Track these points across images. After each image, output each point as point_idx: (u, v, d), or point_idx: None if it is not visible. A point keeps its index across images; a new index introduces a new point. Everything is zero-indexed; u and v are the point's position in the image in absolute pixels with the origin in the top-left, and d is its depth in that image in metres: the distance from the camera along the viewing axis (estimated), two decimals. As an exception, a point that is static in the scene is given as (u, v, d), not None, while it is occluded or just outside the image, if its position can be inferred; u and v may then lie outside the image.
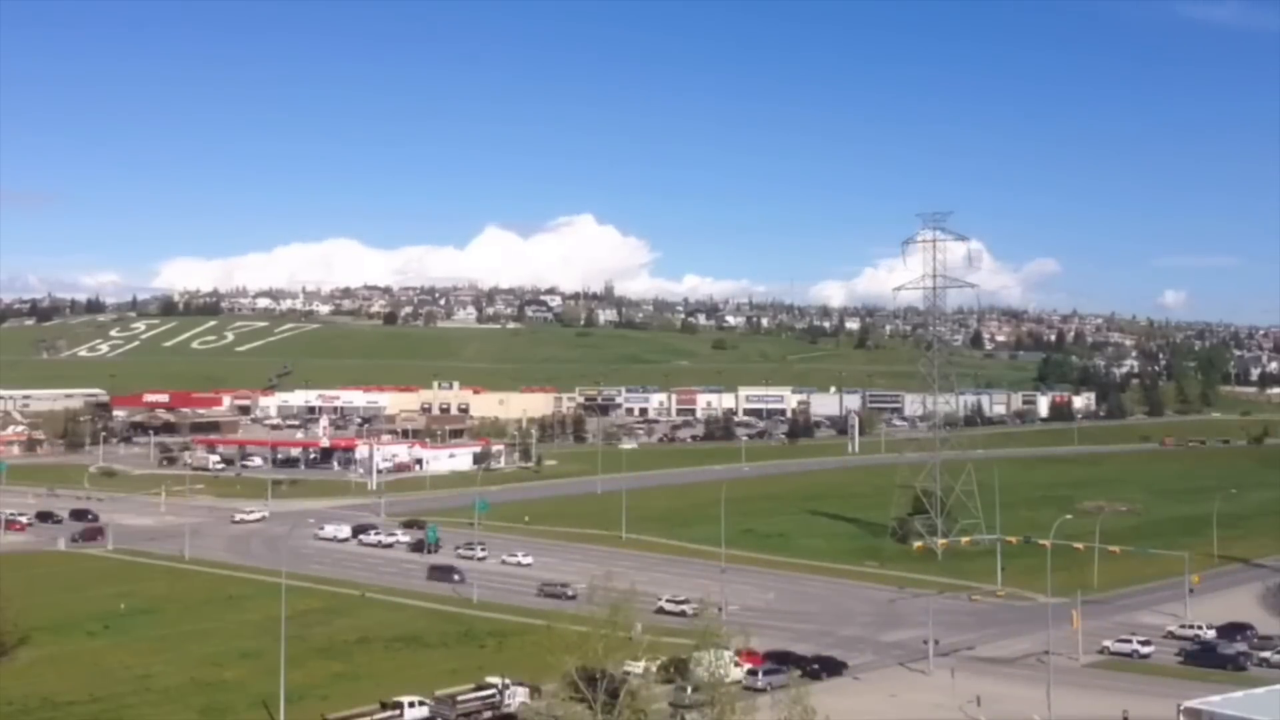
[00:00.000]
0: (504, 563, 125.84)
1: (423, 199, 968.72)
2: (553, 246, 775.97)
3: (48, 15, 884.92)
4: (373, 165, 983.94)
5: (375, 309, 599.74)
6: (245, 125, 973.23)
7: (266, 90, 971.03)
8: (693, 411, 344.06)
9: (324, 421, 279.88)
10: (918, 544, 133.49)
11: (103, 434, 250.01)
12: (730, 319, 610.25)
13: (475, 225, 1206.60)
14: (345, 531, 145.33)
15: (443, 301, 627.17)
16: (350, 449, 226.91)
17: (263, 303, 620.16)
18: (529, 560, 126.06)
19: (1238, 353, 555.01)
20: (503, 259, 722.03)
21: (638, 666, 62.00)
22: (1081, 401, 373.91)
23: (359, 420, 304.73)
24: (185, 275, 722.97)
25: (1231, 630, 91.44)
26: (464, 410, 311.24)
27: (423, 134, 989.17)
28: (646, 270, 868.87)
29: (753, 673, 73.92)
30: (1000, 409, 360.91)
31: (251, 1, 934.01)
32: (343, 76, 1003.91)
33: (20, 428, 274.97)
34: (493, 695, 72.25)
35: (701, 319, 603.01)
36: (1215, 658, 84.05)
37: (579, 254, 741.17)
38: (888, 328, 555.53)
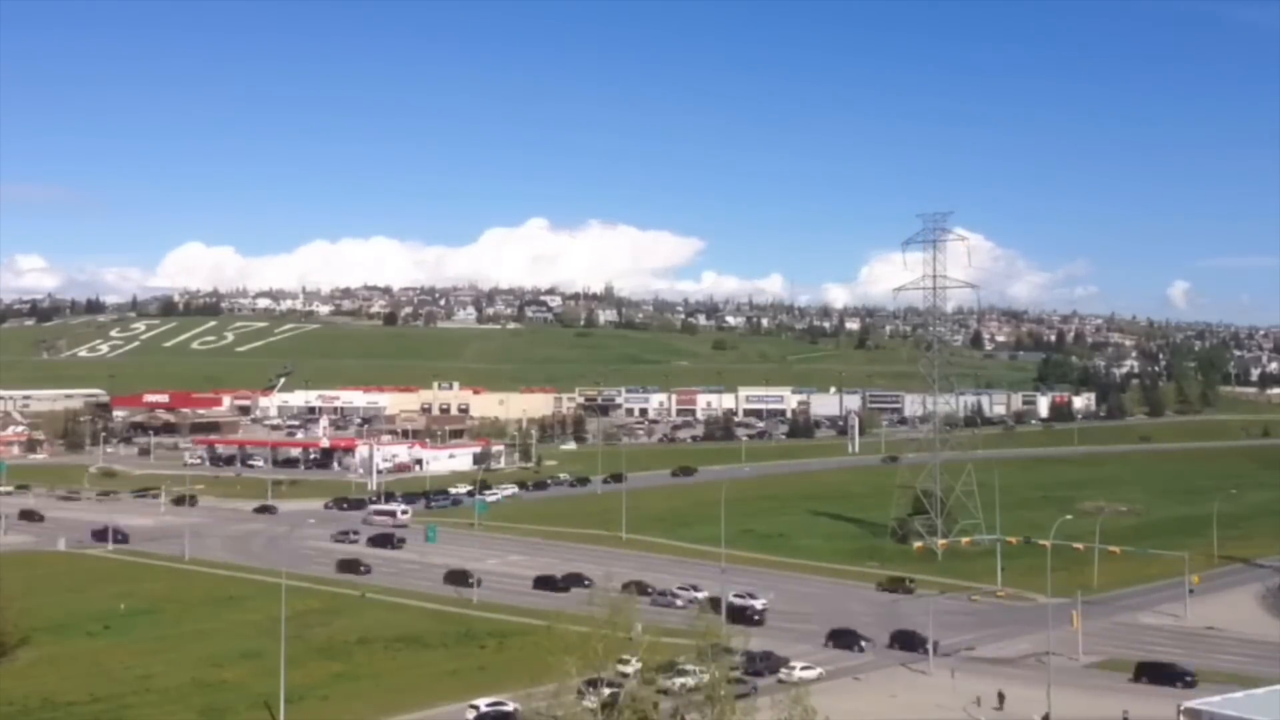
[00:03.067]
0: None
1: (453, 199, 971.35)
2: (593, 245, 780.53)
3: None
4: (423, 165, 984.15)
5: (375, 309, 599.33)
6: (285, 124, 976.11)
7: (309, 91, 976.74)
8: (693, 412, 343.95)
9: (324, 422, 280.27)
10: (918, 544, 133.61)
11: (103, 434, 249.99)
12: (730, 319, 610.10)
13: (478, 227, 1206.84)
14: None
15: (443, 302, 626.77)
16: (350, 449, 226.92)
17: (263, 303, 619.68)
18: None
19: (1238, 353, 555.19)
20: (534, 258, 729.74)
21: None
22: (1081, 402, 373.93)
23: (359, 420, 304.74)
24: (216, 268, 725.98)
25: None
26: (464, 410, 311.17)
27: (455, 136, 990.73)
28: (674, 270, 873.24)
29: None
30: (1000, 409, 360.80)
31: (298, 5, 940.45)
32: (397, 80, 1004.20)
33: (20, 428, 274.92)
34: None
35: (701, 319, 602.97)
36: None
37: (622, 253, 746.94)
38: (888, 328, 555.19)
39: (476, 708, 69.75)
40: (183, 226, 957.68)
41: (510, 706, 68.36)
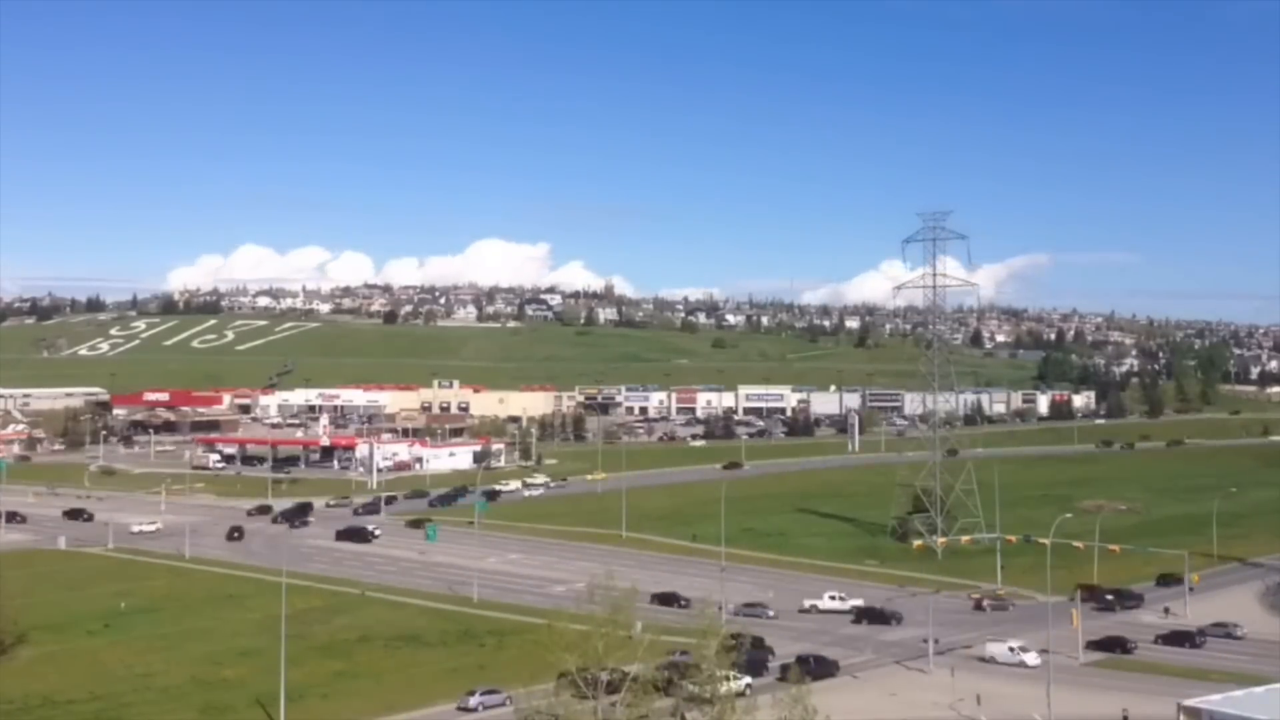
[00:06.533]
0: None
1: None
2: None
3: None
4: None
5: (375, 308, 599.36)
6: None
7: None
8: (693, 410, 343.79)
9: (324, 420, 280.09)
10: (917, 543, 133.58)
11: (103, 433, 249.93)
12: (730, 318, 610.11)
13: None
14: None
15: (443, 300, 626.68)
16: (351, 448, 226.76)
17: (263, 301, 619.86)
18: None
19: (1238, 351, 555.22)
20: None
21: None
22: (1081, 400, 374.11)
23: (359, 419, 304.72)
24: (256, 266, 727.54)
25: None
26: (464, 409, 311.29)
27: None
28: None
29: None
30: (1000, 408, 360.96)
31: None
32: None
33: (20, 426, 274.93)
34: None
35: (701, 318, 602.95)
36: None
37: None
38: (888, 327, 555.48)
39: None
40: (183, 234, 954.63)
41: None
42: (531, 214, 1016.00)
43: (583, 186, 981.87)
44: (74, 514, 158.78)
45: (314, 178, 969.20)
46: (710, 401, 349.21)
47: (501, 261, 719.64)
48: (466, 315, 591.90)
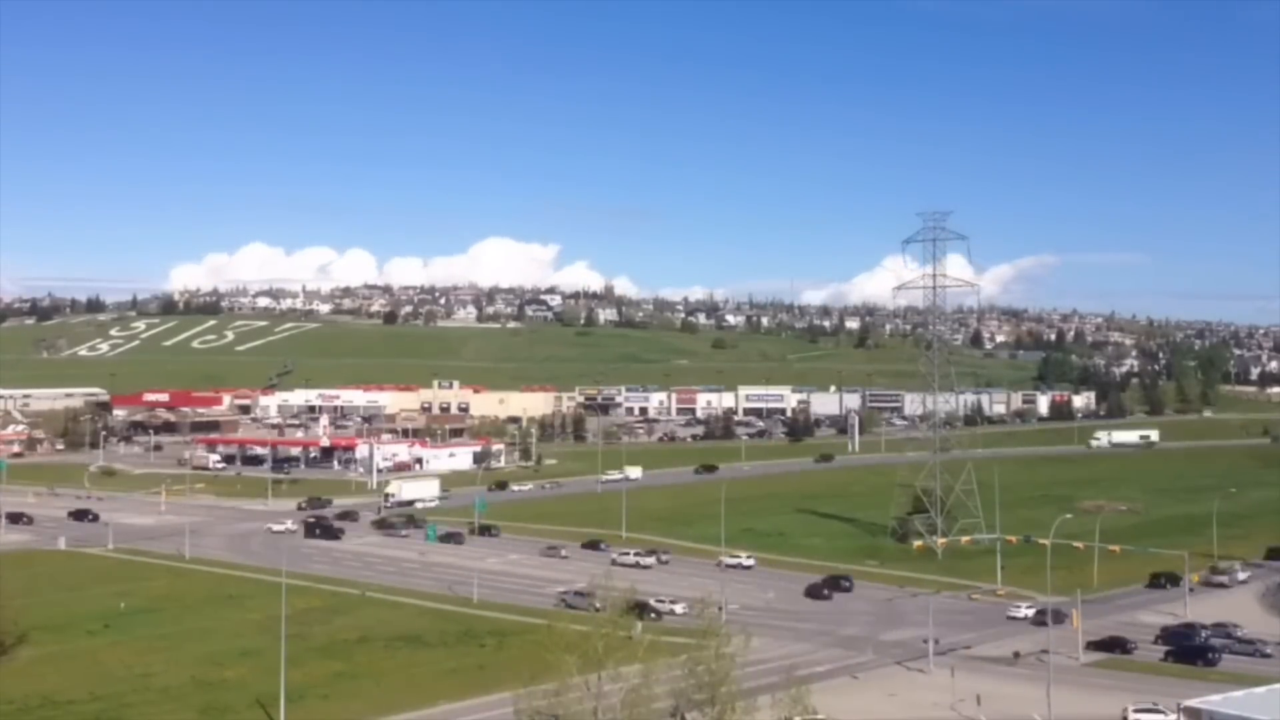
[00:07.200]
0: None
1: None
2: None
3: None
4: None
5: (375, 308, 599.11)
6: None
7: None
8: (693, 411, 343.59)
9: (324, 421, 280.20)
10: (917, 543, 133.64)
11: (103, 433, 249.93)
12: (730, 318, 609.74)
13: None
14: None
15: (443, 301, 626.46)
16: (351, 448, 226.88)
17: (263, 302, 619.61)
18: None
19: (1238, 352, 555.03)
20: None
21: None
22: (1081, 400, 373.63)
23: (359, 419, 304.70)
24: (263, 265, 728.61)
25: None
26: (464, 409, 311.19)
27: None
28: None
29: None
30: (1000, 408, 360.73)
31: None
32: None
33: (20, 427, 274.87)
34: None
35: (701, 318, 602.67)
36: None
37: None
38: (888, 327, 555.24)
39: None
40: (188, 232, 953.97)
41: None
42: (537, 215, 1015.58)
43: (588, 187, 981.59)
44: (79, 515, 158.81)
45: (321, 178, 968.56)
46: (710, 402, 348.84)
47: (507, 262, 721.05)
48: (467, 316, 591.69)
